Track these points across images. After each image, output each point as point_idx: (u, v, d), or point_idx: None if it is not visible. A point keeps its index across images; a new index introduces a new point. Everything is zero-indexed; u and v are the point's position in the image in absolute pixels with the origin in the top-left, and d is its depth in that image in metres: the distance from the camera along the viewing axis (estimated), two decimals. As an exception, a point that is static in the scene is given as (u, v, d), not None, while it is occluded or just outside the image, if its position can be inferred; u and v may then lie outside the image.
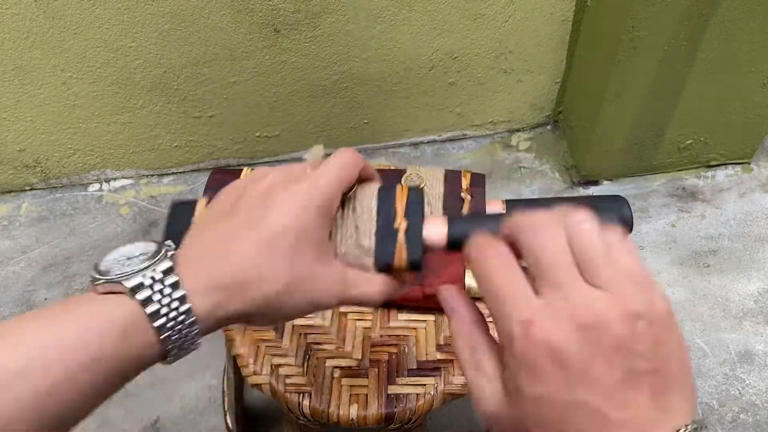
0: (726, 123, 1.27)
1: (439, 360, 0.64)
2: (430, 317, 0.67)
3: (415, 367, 0.64)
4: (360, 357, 0.65)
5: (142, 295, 0.29)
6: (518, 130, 1.46)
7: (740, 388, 1.08)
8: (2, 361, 0.27)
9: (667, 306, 0.28)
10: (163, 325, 0.29)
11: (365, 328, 0.67)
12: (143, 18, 1.10)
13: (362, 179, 0.39)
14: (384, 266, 0.37)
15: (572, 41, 1.29)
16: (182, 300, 0.30)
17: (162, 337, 0.30)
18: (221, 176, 0.71)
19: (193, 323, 0.30)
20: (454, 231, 0.37)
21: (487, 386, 0.31)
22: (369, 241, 0.37)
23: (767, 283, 1.21)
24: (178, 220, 0.40)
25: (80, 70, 1.17)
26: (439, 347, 0.65)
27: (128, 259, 0.31)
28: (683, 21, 1.06)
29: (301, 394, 0.62)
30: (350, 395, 0.62)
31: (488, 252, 0.31)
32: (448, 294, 0.35)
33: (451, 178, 0.71)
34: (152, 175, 1.39)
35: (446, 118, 1.40)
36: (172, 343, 0.30)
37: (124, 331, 0.29)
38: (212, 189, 0.70)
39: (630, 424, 0.26)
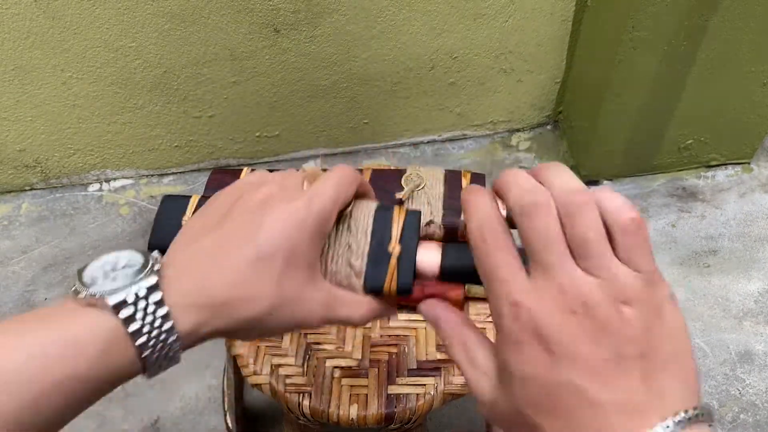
0: (726, 123, 1.27)
1: (439, 360, 0.64)
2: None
3: (415, 367, 0.64)
4: (360, 357, 0.65)
5: (124, 313, 0.28)
6: (518, 130, 1.46)
7: (740, 388, 1.08)
8: None
9: (664, 291, 0.28)
10: (145, 343, 0.29)
11: (365, 328, 0.67)
12: (143, 18, 1.10)
13: (358, 195, 0.38)
14: (373, 290, 0.36)
15: (572, 41, 1.29)
16: (165, 318, 0.29)
17: (143, 355, 0.29)
18: (221, 176, 0.71)
19: (175, 341, 0.30)
20: (448, 261, 0.36)
21: (483, 378, 0.31)
22: (360, 262, 0.36)
23: (767, 283, 1.21)
24: (168, 217, 0.39)
25: (80, 70, 1.17)
26: (439, 347, 0.65)
27: (113, 270, 0.30)
28: (683, 21, 1.06)
29: (301, 394, 0.62)
30: (350, 395, 0.62)
31: (486, 234, 0.30)
32: (429, 306, 0.35)
33: (451, 178, 0.71)
34: (152, 175, 1.39)
35: (446, 118, 1.40)
36: (153, 360, 0.30)
37: (105, 350, 0.28)
38: (212, 189, 0.70)
39: (620, 406, 0.26)
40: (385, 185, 0.70)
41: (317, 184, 0.35)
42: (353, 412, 0.61)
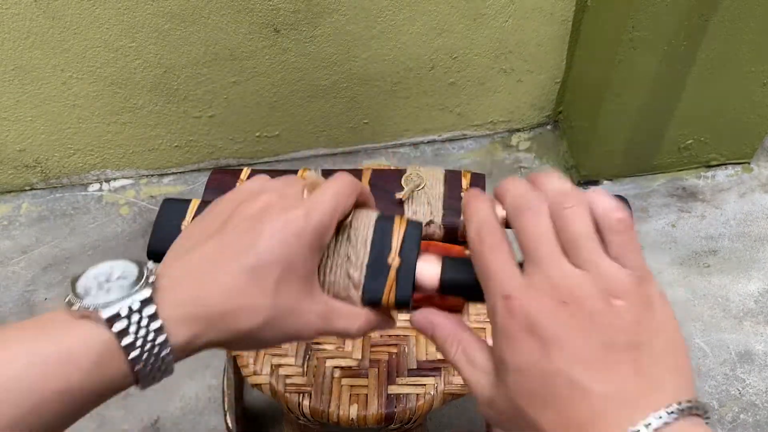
0: (726, 123, 1.27)
1: (439, 360, 0.64)
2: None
3: (415, 367, 0.64)
4: (360, 357, 0.65)
5: (118, 327, 0.28)
6: (518, 130, 1.46)
7: (740, 388, 1.08)
8: None
9: (653, 287, 0.29)
10: (138, 356, 0.29)
11: (365, 328, 0.67)
12: (143, 18, 1.10)
13: (358, 204, 0.38)
14: (371, 302, 0.36)
15: (572, 41, 1.29)
16: (159, 331, 0.29)
17: (136, 368, 0.29)
18: (221, 176, 0.70)
19: (168, 354, 0.30)
20: (448, 275, 0.36)
21: (482, 377, 0.31)
22: (359, 273, 0.35)
23: (767, 283, 1.21)
24: (167, 221, 0.39)
25: (80, 70, 1.17)
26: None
27: (107, 281, 0.30)
28: (683, 21, 1.06)
29: (301, 394, 0.62)
30: (350, 395, 0.62)
31: (483, 235, 0.32)
32: (422, 315, 0.35)
33: (451, 178, 0.71)
34: (152, 175, 1.39)
35: (446, 118, 1.40)
36: (146, 373, 0.29)
37: (98, 362, 0.28)
38: (212, 189, 0.70)
39: (613, 396, 0.26)
40: (385, 185, 0.70)
41: (316, 194, 0.35)
42: (353, 412, 0.61)
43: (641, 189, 1.36)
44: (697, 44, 1.10)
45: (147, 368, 0.29)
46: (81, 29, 1.10)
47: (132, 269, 0.31)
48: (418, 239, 0.36)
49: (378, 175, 0.72)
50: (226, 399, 1.00)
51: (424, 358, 0.65)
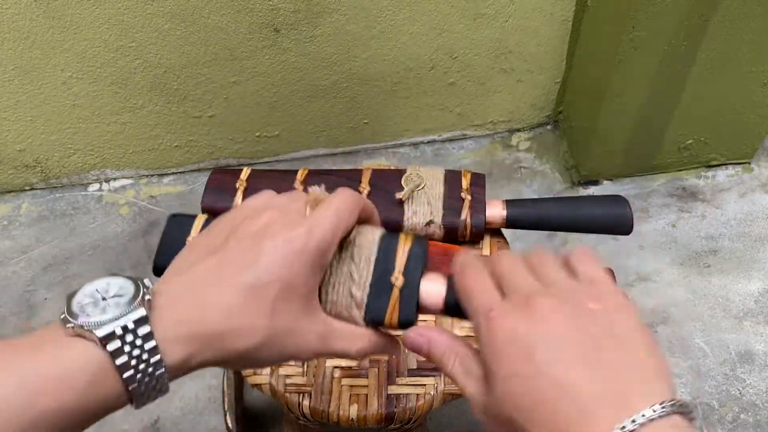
0: (726, 123, 1.27)
1: (439, 360, 0.64)
2: (431, 317, 0.67)
3: (415, 367, 0.64)
4: (360, 357, 0.65)
5: (112, 347, 0.28)
6: (518, 130, 1.46)
7: (740, 388, 1.08)
8: None
9: (623, 299, 0.31)
10: (132, 376, 0.29)
11: (365, 328, 0.67)
12: (143, 18, 1.10)
13: (362, 220, 0.37)
14: (374, 321, 0.35)
15: (572, 41, 1.29)
16: (153, 351, 0.29)
17: (130, 388, 0.29)
18: (221, 176, 0.70)
19: (162, 374, 0.29)
20: (452, 296, 0.35)
21: (478, 385, 0.32)
22: (362, 292, 0.35)
23: (767, 283, 1.21)
24: (173, 237, 0.39)
25: (80, 70, 1.17)
26: (439, 347, 0.65)
27: (103, 299, 0.30)
28: (683, 21, 1.06)
29: (301, 394, 0.62)
30: (350, 395, 0.62)
31: (468, 270, 0.35)
32: (415, 334, 0.35)
33: (451, 178, 0.71)
34: (152, 175, 1.39)
35: (446, 118, 1.40)
36: (140, 392, 0.29)
37: (92, 381, 0.28)
38: (212, 189, 0.70)
39: (600, 395, 0.27)
40: (385, 185, 0.70)
41: (319, 211, 0.34)
42: (353, 412, 0.61)
43: (641, 189, 1.36)
44: (697, 44, 1.10)
45: (141, 388, 0.29)
46: (81, 29, 1.10)
47: (128, 286, 0.30)
48: (423, 258, 0.36)
49: (378, 175, 0.72)
50: (226, 399, 1.00)
51: (424, 358, 0.64)
